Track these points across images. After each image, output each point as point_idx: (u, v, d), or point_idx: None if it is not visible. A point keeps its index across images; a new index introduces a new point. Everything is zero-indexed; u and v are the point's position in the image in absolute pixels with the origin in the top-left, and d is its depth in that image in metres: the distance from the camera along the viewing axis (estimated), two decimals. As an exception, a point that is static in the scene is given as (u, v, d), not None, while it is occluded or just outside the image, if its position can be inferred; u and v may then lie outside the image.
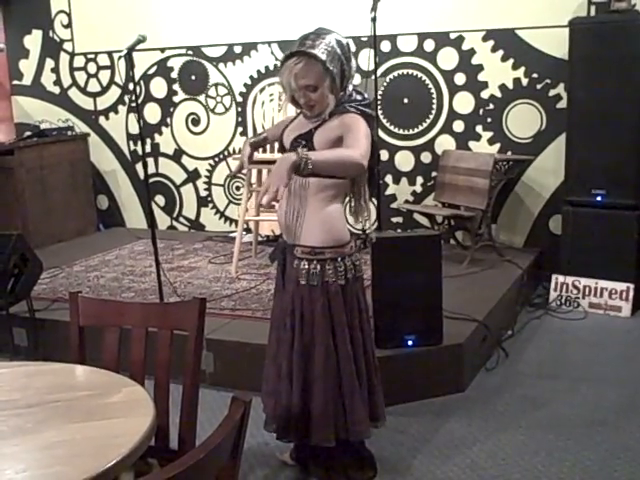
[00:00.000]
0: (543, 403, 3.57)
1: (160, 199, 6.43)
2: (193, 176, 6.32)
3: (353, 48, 2.75)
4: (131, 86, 6.18)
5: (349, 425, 2.78)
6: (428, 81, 5.40)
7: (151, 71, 6.24)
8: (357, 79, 4.71)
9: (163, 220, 6.43)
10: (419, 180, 5.55)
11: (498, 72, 5.20)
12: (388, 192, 5.56)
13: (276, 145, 4.85)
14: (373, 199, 5.19)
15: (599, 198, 4.71)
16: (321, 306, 2.71)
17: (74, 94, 6.58)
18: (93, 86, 6.50)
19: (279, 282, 2.88)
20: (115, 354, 2.25)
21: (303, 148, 2.63)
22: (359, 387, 2.79)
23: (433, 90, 5.40)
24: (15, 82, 6.78)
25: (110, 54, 6.35)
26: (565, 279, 4.84)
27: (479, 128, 5.32)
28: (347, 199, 2.83)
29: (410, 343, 3.61)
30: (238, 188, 6.13)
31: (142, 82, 6.23)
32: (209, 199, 6.31)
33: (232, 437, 1.46)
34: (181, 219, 6.44)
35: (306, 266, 2.71)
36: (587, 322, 4.62)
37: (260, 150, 5.22)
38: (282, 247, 2.84)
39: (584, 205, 4.76)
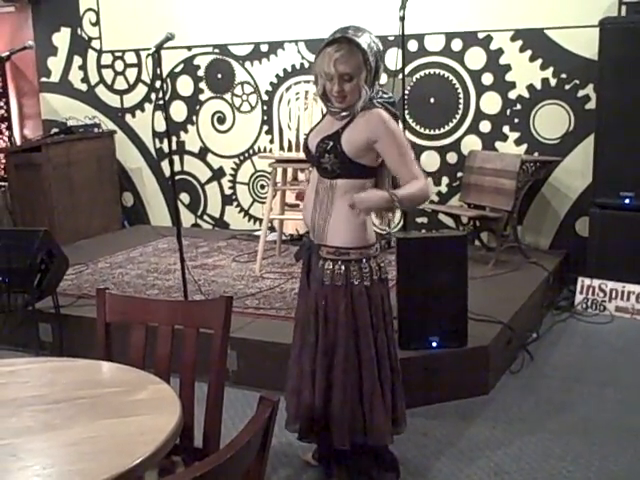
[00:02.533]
0: (569, 407, 3.54)
1: (185, 197, 6.45)
2: (218, 174, 6.33)
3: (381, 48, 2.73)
4: (158, 84, 6.21)
5: (368, 429, 2.76)
6: (455, 81, 5.37)
7: (178, 69, 6.26)
8: (384, 78, 4.68)
9: (187, 218, 6.44)
10: (445, 180, 5.51)
11: (526, 72, 5.16)
12: (413, 192, 5.51)
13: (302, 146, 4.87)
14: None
15: (627, 201, 4.66)
16: (344, 307, 2.70)
17: (101, 91, 6.62)
18: (120, 84, 6.54)
19: (304, 282, 2.87)
20: (141, 351, 2.25)
21: (329, 154, 2.62)
22: (381, 391, 2.76)
23: (460, 90, 5.37)
24: (43, 79, 6.83)
25: (137, 52, 6.38)
26: (591, 282, 4.78)
27: (506, 129, 5.28)
28: None
29: (434, 344, 3.59)
30: (263, 187, 6.14)
31: (169, 80, 6.25)
32: (234, 197, 6.32)
33: (259, 437, 1.45)
34: (205, 217, 6.46)
35: (330, 266, 2.70)
36: (613, 326, 4.57)
37: (285, 148, 5.24)
38: (307, 246, 2.83)
39: (612, 207, 4.71)
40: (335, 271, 2.69)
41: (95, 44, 6.56)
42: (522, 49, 5.16)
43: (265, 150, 6.06)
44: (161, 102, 4.31)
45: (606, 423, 3.37)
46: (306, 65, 5.79)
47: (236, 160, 6.23)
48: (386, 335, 2.80)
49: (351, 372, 2.73)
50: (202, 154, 6.35)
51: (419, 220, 5.57)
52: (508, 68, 5.21)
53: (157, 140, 6.51)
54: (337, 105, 2.65)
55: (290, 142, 5.15)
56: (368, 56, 2.57)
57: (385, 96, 2.69)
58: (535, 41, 5.10)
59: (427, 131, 5.51)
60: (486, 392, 3.67)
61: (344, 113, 2.66)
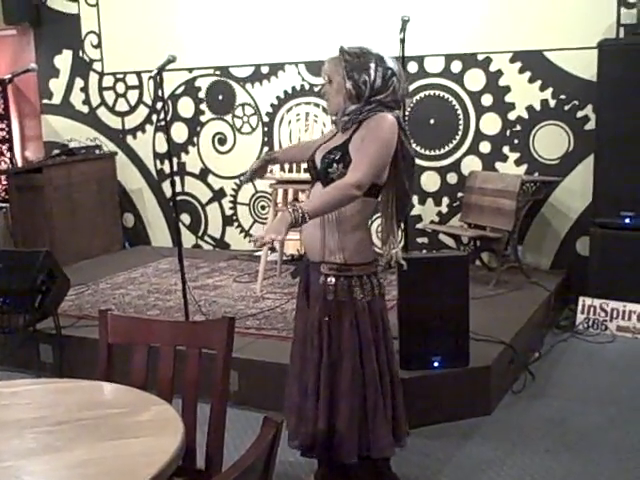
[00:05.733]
0: (571, 427, 3.52)
1: (185, 217, 6.46)
2: (219, 195, 6.35)
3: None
4: (160, 105, 6.24)
5: (371, 442, 2.75)
6: (455, 102, 5.40)
7: (179, 91, 6.29)
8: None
9: (188, 238, 6.45)
10: (445, 201, 5.53)
11: (525, 93, 5.19)
12: (414, 212, 5.53)
13: (303, 165, 4.89)
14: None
15: (627, 220, 4.67)
16: (349, 322, 2.71)
17: (102, 113, 6.65)
18: (121, 105, 6.57)
19: (302, 300, 2.87)
20: (143, 372, 2.24)
21: (338, 163, 2.64)
22: (383, 404, 2.77)
23: (460, 111, 5.40)
24: (45, 101, 6.87)
25: (139, 74, 6.42)
26: (592, 302, 4.78)
27: (506, 149, 5.31)
28: (380, 220, 2.81)
29: (436, 365, 3.58)
30: (263, 207, 6.15)
31: (169, 102, 6.28)
32: (234, 218, 6.33)
33: (263, 458, 1.45)
34: (206, 238, 6.47)
35: (333, 282, 2.70)
36: (615, 345, 4.56)
37: (286, 169, 5.25)
38: (305, 265, 2.84)
39: (612, 227, 4.72)
40: (338, 287, 2.70)
41: (97, 66, 6.61)
42: (521, 70, 5.19)
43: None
44: (162, 124, 4.34)
45: (608, 443, 3.36)
46: (306, 87, 5.82)
47: (237, 181, 6.25)
48: (386, 350, 2.80)
49: (356, 387, 2.73)
50: (203, 175, 6.37)
51: (420, 240, 5.58)
52: (507, 89, 5.25)
53: (158, 161, 6.53)
54: (327, 110, 2.83)
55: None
56: (345, 64, 2.64)
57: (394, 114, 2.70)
58: (534, 63, 5.14)
59: (427, 152, 5.53)
60: (488, 412, 3.66)
61: (342, 120, 2.70)
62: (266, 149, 6.05)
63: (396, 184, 2.73)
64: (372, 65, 2.65)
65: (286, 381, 2.96)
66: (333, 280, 2.70)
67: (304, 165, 4.84)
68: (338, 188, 2.58)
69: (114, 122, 6.62)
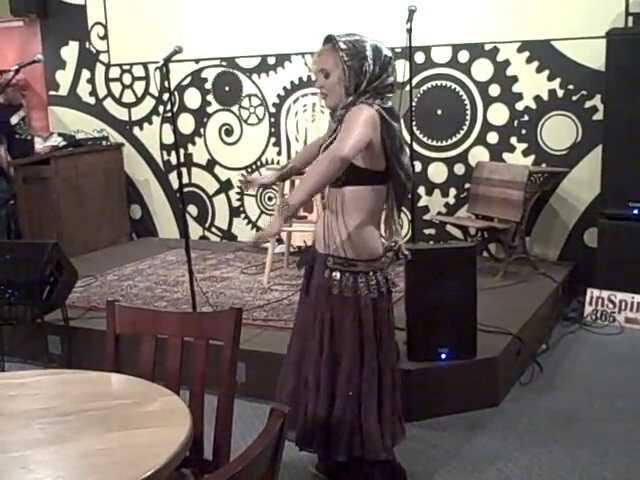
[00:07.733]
0: (579, 419, 3.52)
1: (192, 209, 6.46)
2: (225, 186, 6.34)
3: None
4: (166, 96, 6.24)
5: (365, 442, 2.74)
6: (462, 92, 5.37)
7: (185, 82, 6.29)
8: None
9: (195, 230, 6.45)
10: (452, 192, 5.51)
11: (533, 83, 5.16)
12: (421, 204, 5.53)
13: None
14: (405, 211, 5.18)
15: (636, 211, 4.65)
16: (352, 319, 2.70)
17: (109, 105, 6.65)
18: (128, 97, 6.57)
19: (303, 290, 2.87)
20: (151, 363, 2.25)
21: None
22: (380, 404, 2.75)
23: (467, 101, 5.38)
24: (52, 93, 6.87)
25: (145, 65, 6.42)
26: (600, 293, 4.77)
27: (513, 140, 5.28)
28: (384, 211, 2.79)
29: (443, 356, 3.57)
30: (270, 199, 6.14)
31: (176, 93, 6.28)
32: (241, 209, 6.33)
33: (271, 448, 1.45)
34: (213, 229, 6.47)
35: (338, 277, 2.69)
36: (623, 337, 4.55)
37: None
38: (311, 256, 2.83)
39: (620, 218, 4.70)
40: (343, 282, 2.69)
41: (103, 57, 6.60)
42: (529, 60, 5.16)
43: (272, 162, 6.07)
44: (169, 115, 4.34)
45: (617, 434, 3.35)
46: (313, 77, 5.79)
47: (244, 172, 6.24)
48: (389, 348, 2.79)
49: (353, 384, 2.72)
50: (210, 166, 6.37)
51: (427, 231, 5.57)
52: (515, 79, 5.22)
53: (165, 152, 6.53)
54: (325, 104, 2.75)
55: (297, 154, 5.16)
56: (343, 54, 2.60)
57: (383, 104, 2.64)
58: (542, 52, 5.11)
59: (434, 143, 5.51)
60: (496, 404, 3.66)
61: (339, 114, 2.66)
62: (273, 140, 6.04)
63: (391, 172, 2.70)
64: (369, 54, 2.61)
65: (282, 372, 2.93)
66: (338, 275, 2.69)
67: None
68: (324, 157, 2.55)
69: (121, 113, 6.62)
